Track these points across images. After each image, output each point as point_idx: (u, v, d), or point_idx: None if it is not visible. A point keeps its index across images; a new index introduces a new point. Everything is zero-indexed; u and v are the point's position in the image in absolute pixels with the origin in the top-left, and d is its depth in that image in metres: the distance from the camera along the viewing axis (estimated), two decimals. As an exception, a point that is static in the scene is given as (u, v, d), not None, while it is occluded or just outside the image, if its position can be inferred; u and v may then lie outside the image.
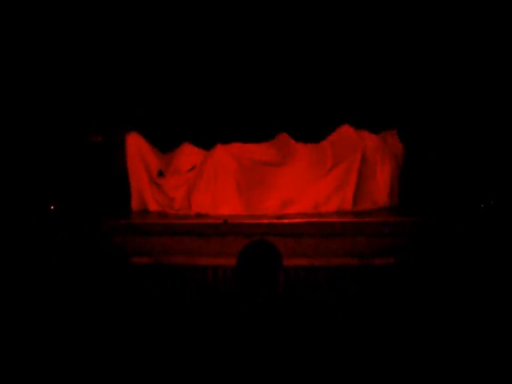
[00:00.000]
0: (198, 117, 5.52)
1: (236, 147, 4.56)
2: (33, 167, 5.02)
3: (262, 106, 5.49)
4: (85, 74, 5.27)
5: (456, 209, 4.17)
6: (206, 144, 5.25)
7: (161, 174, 4.62)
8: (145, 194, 4.69)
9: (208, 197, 4.34)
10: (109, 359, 2.90)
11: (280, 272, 1.99)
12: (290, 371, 1.74)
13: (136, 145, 4.72)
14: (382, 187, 4.41)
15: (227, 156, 4.44)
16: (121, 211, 4.48)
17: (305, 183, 4.31)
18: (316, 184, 4.31)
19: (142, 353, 2.92)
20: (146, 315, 3.33)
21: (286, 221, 3.81)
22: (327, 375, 1.81)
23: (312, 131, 4.75)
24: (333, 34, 5.41)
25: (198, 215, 4.28)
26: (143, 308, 3.40)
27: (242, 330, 1.79)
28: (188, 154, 4.77)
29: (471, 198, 4.52)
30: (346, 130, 4.53)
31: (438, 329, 3.00)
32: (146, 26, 5.45)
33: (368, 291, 3.38)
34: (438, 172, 4.91)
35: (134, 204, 4.70)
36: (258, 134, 4.98)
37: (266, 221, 3.83)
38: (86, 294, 3.46)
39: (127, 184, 4.83)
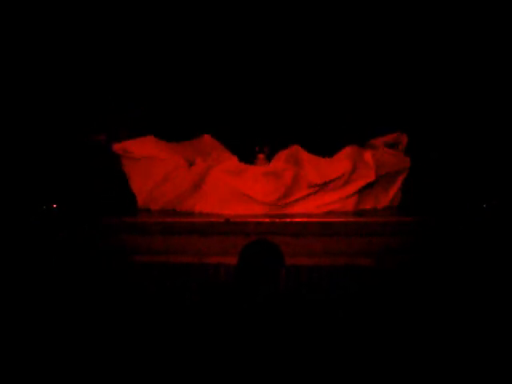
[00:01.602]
0: (199, 118, 5.52)
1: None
2: (33, 167, 5.02)
3: (265, 109, 5.49)
4: (86, 74, 5.28)
5: (457, 209, 4.17)
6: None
7: None
8: (150, 192, 4.70)
9: (211, 196, 4.32)
10: (109, 358, 2.91)
11: (282, 271, 2.00)
12: (290, 370, 1.75)
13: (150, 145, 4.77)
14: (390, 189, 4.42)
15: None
16: (122, 210, 4.49)
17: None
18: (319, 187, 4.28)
19: (142, 352, 2.93)
20: (147, 314, 3.34)
21: (287, 220, 3.82)
22: (328, 374, 1.81)
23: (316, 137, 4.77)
24: (332, 34, 5.41)
25: (201, 215, 4.27)
26: (144, 307, 3.41)
27: (244, 329, 1.79)
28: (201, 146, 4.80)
29: (473, 197, 4.52)
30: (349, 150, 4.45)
31: (440, 329, 3.01)
32: (147, 27, 5.45)
33: (370, 291, 3.38)
34: (439, 171, 4.91)
35: (140, 201, 4.71)
36: (260, 135, 4.99)
37: (267, 220, 3.84)
38: (87, 293, 3.46)
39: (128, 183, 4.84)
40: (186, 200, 4.36)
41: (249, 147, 4.81)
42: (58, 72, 5.22)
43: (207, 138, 4.94)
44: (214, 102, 5.54)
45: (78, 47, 5.22)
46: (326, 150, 4.47)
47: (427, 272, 3.39)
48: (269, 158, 4.67)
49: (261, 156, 4.76)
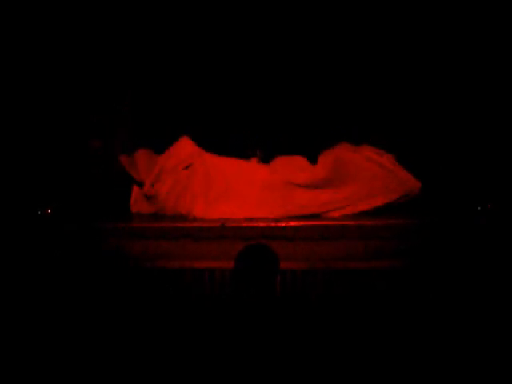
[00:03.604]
0: (196, 122, 5.51)
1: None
2: (27, 172, 4.99)
3: (259, 113, 5.50)
4: (85, 77, 5.26)
5: (452, 211, 4.17)
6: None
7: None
8: (142, 196, 4.68)
9: (202, 199, 4.31)
10: (105, 364, 2.89)
11: (277, 275, 1.99)
12: (287, 374, 1.74)
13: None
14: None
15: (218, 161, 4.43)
16: (116, 215, 4.47)
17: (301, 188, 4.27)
18: (313, 188, 4.27)
19: (139, 357, 2.91)
20: (143, 320, 3.32)
21: (283, 224, 3.80)
22: (324, 378, 1.80)
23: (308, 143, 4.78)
24: (327, 37, 5.44)
25: (195, 219, 4.26)
26: (139, 313, 3.39)
27: (240, 334, 1.78)
28: (184, 150, 4.78)
29: (468, 200, 4.52)
30: (344, 147, 4.46)
31: (437, 332, 3.00)
32: (144, 30, 5.45)
33: (366, 295, 3.37)
34: (435, 174, 4.91)
35: (134, 207, 4.69)
36: (252, 138, 5.00)
37: (263, 224, 3.82)
38: (81, 299, 3.44)
39: (125, 187, 4.82)
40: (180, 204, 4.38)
41: (241, 151, 4.83)
42: (58, 75, 5.20)
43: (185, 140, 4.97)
44: (204, 104, 5.55)
45: (70, 49, 5.20)
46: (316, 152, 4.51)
47: (424, 275, 3.39)
48: (262, 162, 4.67)
49: (254, 160, 4.76)
